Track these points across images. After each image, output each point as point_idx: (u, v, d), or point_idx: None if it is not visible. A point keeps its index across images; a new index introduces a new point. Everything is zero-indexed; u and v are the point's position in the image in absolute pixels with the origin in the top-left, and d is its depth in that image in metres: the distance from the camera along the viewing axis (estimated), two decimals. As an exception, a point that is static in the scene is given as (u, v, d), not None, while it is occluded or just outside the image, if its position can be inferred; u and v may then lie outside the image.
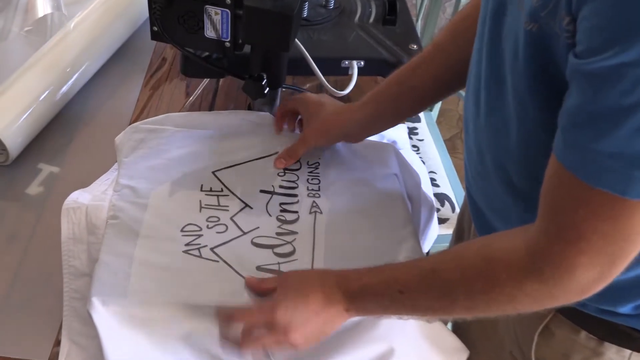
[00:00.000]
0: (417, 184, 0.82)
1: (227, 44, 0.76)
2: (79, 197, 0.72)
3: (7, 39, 0.97)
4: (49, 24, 0.98)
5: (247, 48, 0.78)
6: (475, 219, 0.72)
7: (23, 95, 0.84)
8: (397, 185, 0.79)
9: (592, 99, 0.44)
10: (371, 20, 0.92)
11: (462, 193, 1.32)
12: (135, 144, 0.78)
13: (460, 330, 0.79)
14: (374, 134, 0.81)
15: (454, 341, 0.69)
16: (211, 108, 0.95)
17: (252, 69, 0.78)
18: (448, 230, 1.12)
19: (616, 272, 0.51)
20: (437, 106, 1.52)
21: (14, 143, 0.81)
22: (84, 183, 0.80)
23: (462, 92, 0.88)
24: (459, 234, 0.88)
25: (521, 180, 0.60)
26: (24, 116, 0.83)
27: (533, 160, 0.56)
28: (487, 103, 0.61)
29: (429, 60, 0.75)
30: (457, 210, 1.24)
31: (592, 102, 0.44)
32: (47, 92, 0.86)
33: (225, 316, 0.61)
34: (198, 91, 0.97)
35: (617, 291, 0.60)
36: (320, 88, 0.90)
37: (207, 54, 0.80)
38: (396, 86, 0.77)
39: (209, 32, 0.75)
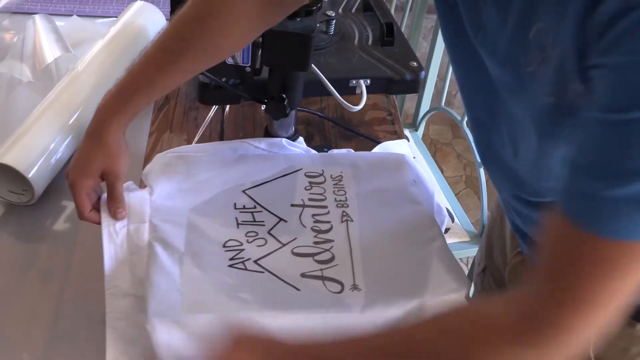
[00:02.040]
0: (431, 194, 0.88)
1: (247, 69, 0.82)
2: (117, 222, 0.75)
3: (18, 84, 0.99)
4: (54, 67, 1.01)
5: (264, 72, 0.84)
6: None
7: (41, 136, 0.86)
8: (418, 190, 0.85)
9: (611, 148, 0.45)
10: (370, 42, 1.00)
11: (458, 205, 1.40)
12: (164, 168, 0.81)
13: None
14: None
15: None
16: (221, 138, 0.99)
17: (271, 91, 0.84)
18: (450, 239, 1.18)
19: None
20: (422, 128, 1.61)
21: (38, 182, 0.83)
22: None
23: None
24: (488, 251, 0.94)
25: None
26: (45, 156, 0.85)
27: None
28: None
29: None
30: (457, 220, 1.30)
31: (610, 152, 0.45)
32: (63, 132, 0.88)
33: None
34: (206, 122, 1.02)
35: None
36: (326, 108, 0.96)
37: (224, 80, 0.85)
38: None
39: (230, 59, 0.81)
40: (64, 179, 0.87)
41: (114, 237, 0.74)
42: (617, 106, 0.44)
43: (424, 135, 2.16)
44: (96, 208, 0.75)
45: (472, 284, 1.01)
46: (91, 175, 0.73)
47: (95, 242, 0.79)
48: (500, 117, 0.64)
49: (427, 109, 1.57)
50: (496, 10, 0.56)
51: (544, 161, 0.59)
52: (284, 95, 0.82)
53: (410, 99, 1.86)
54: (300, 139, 0.93)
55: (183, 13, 0.71)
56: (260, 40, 0.79)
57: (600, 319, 0.49)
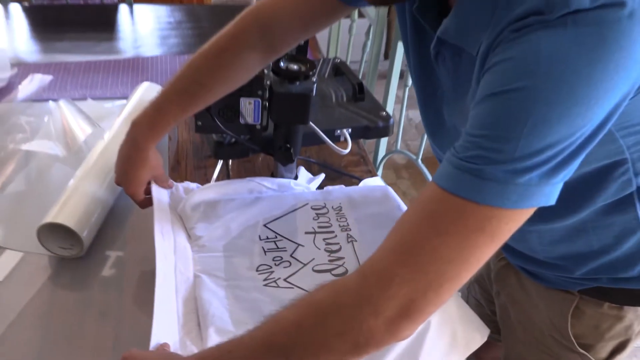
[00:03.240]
0: None
1: (257, 127, 0.88)
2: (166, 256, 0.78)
3: (54, 160, 1.00)
4: (84, 143, 1.03)
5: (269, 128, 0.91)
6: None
7: (85, 199, 0.87)
8: (401, 213, 0.91)
9: None
10: (345, 100, 1.08)
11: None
12: (199, 209, 0.85)
13: (501, 322, 0.86)
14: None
15: (477, 320, 0.75)
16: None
17: (277, 143, 0.90)
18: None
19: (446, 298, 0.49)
20: (380, 169, 1.70)
21: (87, 237, 0.84)
22: (149, 260, 0.83)
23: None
24: None
25: None
26: (89, 214, 0.86)
27: None
28: None
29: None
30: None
31: None
32: (100, 193, 0.90)
33: None
34: (214, 177, 1.06)
35: (619, 264, 0.67)
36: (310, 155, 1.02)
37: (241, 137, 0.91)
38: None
39: (242, 119, 0.87)
40: (104, 233, 0.91)
41: (164, 264, 0.77)
42: (492, 87, 0.45)
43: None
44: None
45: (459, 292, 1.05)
46: (143, 184, 0.84)
47: (140, 284, 0.82)
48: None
49: (384, 153, 1.67)
50: (445, 73, 0.60)
51: None
52: (289, 145, 0.89)
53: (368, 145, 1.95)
54: (302, 169, 0.99)
55: (201, 59, 0.79)
56: (267, 102, 0.86)
57: (441, 295, 0.47)
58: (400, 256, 0.48)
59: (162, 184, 0.88)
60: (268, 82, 0.84)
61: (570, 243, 0.68)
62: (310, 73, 0.83)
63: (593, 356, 0.76)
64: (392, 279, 0.47)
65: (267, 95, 0.84)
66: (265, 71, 0.84)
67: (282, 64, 0.84)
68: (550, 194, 0.47)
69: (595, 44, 0.41)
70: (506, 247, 0.78)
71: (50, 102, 1.14)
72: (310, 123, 0.92)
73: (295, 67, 0.85)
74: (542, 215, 0.51)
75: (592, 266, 0.69)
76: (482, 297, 0.94)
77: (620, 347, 0.75)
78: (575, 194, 0.58)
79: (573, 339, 0.75)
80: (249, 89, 0.83)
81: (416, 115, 2.78)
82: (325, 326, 0.49)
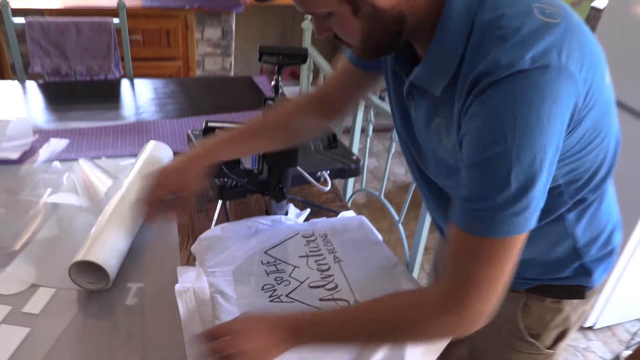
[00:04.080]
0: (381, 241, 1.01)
1: (255, 171, 0.93)
2: (184, 282, 0.81)
3: (78, 210, 1.02)
4: (104, 195, 1.06)
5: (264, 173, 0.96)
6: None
7: (109, 239, 0.89)
8: (376, 237, 0.97)
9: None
10: (321, 148, 1.15)
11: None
12: (207, 246, 0.89)
13: None
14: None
15: None
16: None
17: (271, 184, 0.95)
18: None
19: (499, 298, 0.58)
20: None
21: (112, 271, 0.86)
22: (166, 289, 0.86)
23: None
24: (436, 273, 1.02)
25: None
26: (113, 252, 0.88)
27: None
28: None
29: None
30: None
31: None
32: (122, 235, 0.92)
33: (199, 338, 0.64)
34: (215, 216, 1.09)
35: (554, 266, 0.73)
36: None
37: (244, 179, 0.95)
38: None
39: (242, 165, 0.92)
40: (126, 268, 0.91)
41: (184, 296, 0.80)
42: (473, 154, 0.55)
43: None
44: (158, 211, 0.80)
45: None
46: (165, 189, 0.80)
47: (160, 309, 0.84)
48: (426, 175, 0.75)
49: (351, 192, 1.74)
50: (414, 109, 0.69)
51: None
52: (281, 185, 0.94)
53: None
54: (291, 206, 1.04)
55: (270, 118, 0.86)
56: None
57: (491, 293, 0.57)
58: (463, 282, 0.58)
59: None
60: None
61: None
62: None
63: (541, 343, 0.80)
64: (463, 300, 0.58)
65: None
66: None
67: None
68: (536, 217, 0.57)
69: (536, 93, 0.51)
70: None
71: (77, 161, 1.16)
72: (297, 167, 0.97)
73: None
74: None
75: (534, 269, 0.74)
76: None
77: (561, 335, 0.80)
78: None
79: (523, 330, 0.79)
80: None
81: (371, 162, 2.88)
82: (416, 332, 0.62)
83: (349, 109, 0.90)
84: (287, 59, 1.03)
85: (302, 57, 1.05)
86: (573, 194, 0.65)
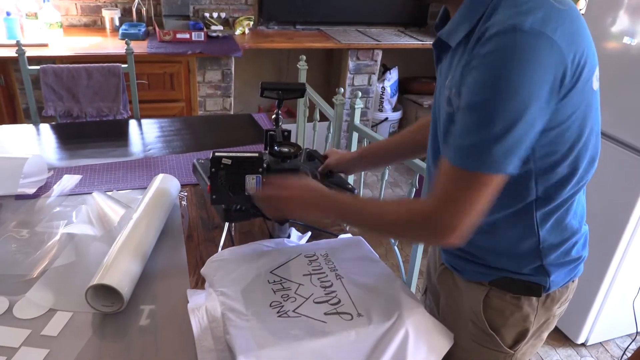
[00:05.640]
0: (378, 258, 1.03)
1: (260, 196, 0.96)
2: (195, 302, 0.82)
3: (92, 240, 1.04)
4: (118, 221, 1.08)
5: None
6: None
7: (122, 264, 0.91)
8: (374, 256, 1.00)
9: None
10: (318, 177, 1.18)
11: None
12: (216, 268, 0.90)
13: (442, 318, 0.91)
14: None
15: (443, 328, 0.83)
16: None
17: (274, 208, 0.98)
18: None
19: (473, 221, 0.67)
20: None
21: (126, 294, 0.87)
22: (176, 311, 0.88)
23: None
24: (428, 276, 1.03)
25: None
26: (127, 276, 0.89)
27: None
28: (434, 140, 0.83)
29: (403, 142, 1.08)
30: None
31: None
32: (135, 261, 0.94)
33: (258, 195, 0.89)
34: (222, 241, 1.11)
35: (518, 260, 0.77)
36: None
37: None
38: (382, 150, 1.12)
39: (247, 191, 0.95)
40: (138, 291, 0.93)
41: (196, 313, 0.81)
42: (469, 98, 0.63)
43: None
44: None
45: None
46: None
47: (171, 329, 0.85)
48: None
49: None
50: (440, 74, 0.77)
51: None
52: (284, 209, 0.97)
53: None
54: (293, 230, 1.06)
55: (398, 138, 1.08)
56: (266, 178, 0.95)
57: (465, 214, 0.66)
58: (444, 203, 0.67)
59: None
60: (266, 163, 0.93)
61: (486, 236, 0.78)
62: (298, 154, 0.94)
63: (501, 340, 0.82)
64: (442, 216, 0.67)
65: (265, 172, 0.93)
66: (264, 157, 0.94)
67: (276, 148, 0.95)
68: (516, 165, 0.65)
69: (526, 51, 0.58)
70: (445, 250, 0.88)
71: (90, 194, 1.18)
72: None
73: (286, 149, 0.95)
74: None
75: (501, 259, 0.79)
76: (434, 304, 1.00)
77: (521, 336, 0.82)
78: (497, 199, 0.72)
79: (485, 321, 0.81)
80: (252, 168, 0.92)
81: (366, 192, 2.92)
82: (405, 234, 0.76)
83: None
84: (287, 93, 1.08)
85: (301, 91, 1.10)
86: (541, 176, 0.71)
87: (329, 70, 3.34)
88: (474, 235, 0.77)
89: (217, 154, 0.93)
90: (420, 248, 1.45)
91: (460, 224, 0.67)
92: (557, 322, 0.89)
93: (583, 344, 1.94)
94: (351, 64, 2.94)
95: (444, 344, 0.81)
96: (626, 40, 1.63)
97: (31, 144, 1.54)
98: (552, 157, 0.69)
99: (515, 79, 0.59)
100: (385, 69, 3.24)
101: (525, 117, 0.61)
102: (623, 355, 1.89)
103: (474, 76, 0.62)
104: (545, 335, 0.86)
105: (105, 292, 0.88)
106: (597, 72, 0.69)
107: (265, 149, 1.09)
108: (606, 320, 1.87)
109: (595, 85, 0.69)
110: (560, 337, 1.96)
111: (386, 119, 3.28)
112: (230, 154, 0.93)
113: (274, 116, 1.12)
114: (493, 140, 0.62)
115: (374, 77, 3.04)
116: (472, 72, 0.63)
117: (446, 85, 0.72)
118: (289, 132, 1.03)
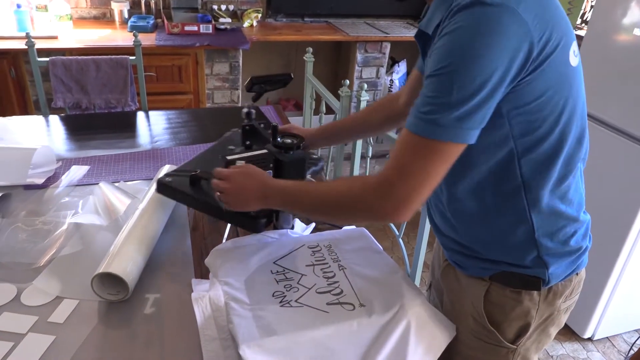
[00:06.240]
0: (381, 250, 1.03)
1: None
2: (199, 291, 0.83)
3: (98, 229, 1.06)
4: (123, 211, 1.09)
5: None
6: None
7: (128, 253, 0.92)
8: (377, 247, 1.00)
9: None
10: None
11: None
12: (221, 258, 0.91)
13: (446, 314, 0.89)
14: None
15: (445, 319, 0.83)
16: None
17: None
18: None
19: (425, 194, 0.66)
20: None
21: (131, 283, 0.88)
22: (181, 300, 0.88)
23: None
24: (432, 271, 1.03)
25: None
26: (133, 266, 0.90)
27: None
28: None
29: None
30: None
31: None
32: (141, 249, 0.95)
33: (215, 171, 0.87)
34: (226, 232, 1.12)
35: (514, 250, 0.76)
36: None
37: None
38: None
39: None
40: (143, 280, 0.93)
41: (200, 302, 0.82)
42: (432, 67, 0.63)
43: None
44: None
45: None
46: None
47: (176, 318, 0.86)
48: None
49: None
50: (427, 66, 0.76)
51: None
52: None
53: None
54: (297, 221, 1.07)
55: (354, 115, 1.14)
56: (273, 169, 0.95)
57: (418, 186, 0.65)
58: (399, 171, 0.66)
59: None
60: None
61: (479, 225, 0.77)
62: (301, 145, 0.94)
63: (501, 335, 0.81)
64: (395, 183, 0.66)
65: (271, 164, 0.93)
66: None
67: (279, 139, 0.95)
68: (473, 135, 0.65)
69: (488, 24, 0.60)
70: (443, 237, 0.87)
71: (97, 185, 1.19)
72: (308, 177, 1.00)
73: (289, 141, 0.95)
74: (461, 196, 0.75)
75: (497, 250, 0.78)
76: (437, 300, 0.99)
77: (523, 331, 0.80)
78: (484, 184, 0.74)
79: (485, 316, 0.81)
80: (262, 164, 0.92)
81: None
82: (356, 207, 0.71)
83: None
84: (271, 85, 1.08)
85: (284, 81, 1.10)
86: (524, 157, 0.70)
87: (337, 62, 3.32)
88: (468, 226, 0.77)
89: (228, 157, 0.93)
90: (425, 241, 1.44)
91: (414, 196, 0.65)
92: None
93: (589, 339, 1.92)
94: (359, 56, 2.92)
95: (446, 336, 0.80)
96: (637, 32, 1.60)
97: (41, 135, 1.56)
98: (532, 135, 0.68)
99: (477, 46, 0.60)
100: (393, 61, 3.22)
101: (485, 85, 0.61)
102: (630, 350, 1.87)
103: (439, 46, 0.63)
104: (553, 331, 0.84)
105: (111, 280, 0.89)
106: (574, 47, 0.68)
107: (243, 144, 1.12)
108: (613, 314, 1.86)
109: (574, 61, 0.68)
110: (567, 332, 1.94)
111: (394, 112, 3.26)
112: (243, 155, 0.92)
113: (244, 109, 1.12)
114: (451, 106, 0.62)
115: (382, 70, 3.02)
116: (438, 44, 0.64)
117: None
118: (263, 123, 1.06)
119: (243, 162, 0.90)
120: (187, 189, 0.99)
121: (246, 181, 0.84)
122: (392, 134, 1.54)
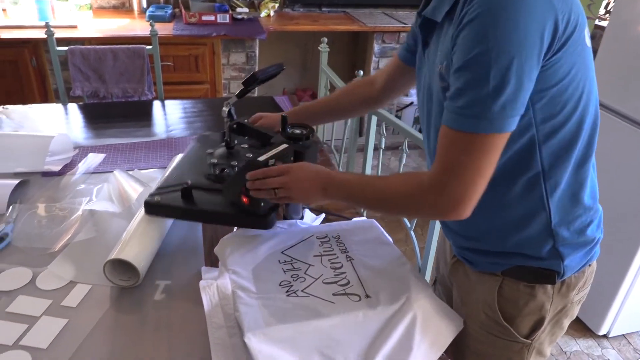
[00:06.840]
0: (391, 242, 1.02)
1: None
2: (207, 280, 0.84)
3: (111, 216, 1.07)
4: (135, 202, 1.10)
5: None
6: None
7: (139, 240, 0.93)
8: (386, 239, 0.99)
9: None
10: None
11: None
12: (229, 247, 0.91)
13: (455, 309, 0.89)
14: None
15: (452, 312, 0.82)
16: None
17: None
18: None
19: (481, 188, 0.64)
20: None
21: (142, 270, 0.90)
22: (190, 287, 0.89)
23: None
24: (437, 266, 1.04)
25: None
26: (144, 252, 0.92)
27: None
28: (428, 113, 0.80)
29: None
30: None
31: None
32: (152, 237, 0.95)
33: (251, 174, 0.84)
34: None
35: (530, 241, 0.74)
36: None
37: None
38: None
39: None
40: (154, 267, 0.95)
41: (207, 290, 0.82)
42: (461, 58, 0.61)
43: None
44: None
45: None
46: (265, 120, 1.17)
47: (185, 305, 0.87)
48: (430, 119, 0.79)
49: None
50: (427, 59, 0.75)
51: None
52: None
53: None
54: (307, 211, 1.07)
55: (328, 97, 1.11)
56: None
57: (470, 181, 0.64)
58: (450, 170, 0.65)
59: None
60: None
61: (494, 217, 0.76)
62: (310, 135, 0.93)
63: (515, 330, 0.80)
64: (448, 183, 0.65)
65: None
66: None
67: (289, 130, 0.94)
68: (514, 122, 0.63)
69: (515, 4, 0.57)
70: (452, 233, 0.86)
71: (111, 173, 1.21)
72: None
73: (298, 131, 0.95)
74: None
75: (512, 239, 0.76)
76: (444, 295, 0.99)
77: (537, 325, 0.79)
78: (503, 174, 0.71)
79: (498, 312, 0.80)
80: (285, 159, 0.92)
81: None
82: (416, 207, 0.72)
83: (389, 97, 1.02)
84: (266, 78, 1.06)
85: (276, 72, 1.07)
86: (544, 143, 0.69)
87: (355, 53, 3.29)
88: (483, 218, 0.75)
89: (258, 159, 0.91)
90: (436, 233, 1.43)
91: (470, 191, 0.64)
92: (578, 312, 0.86)
93: (605, 336, 1.89)
94: (376, 47, 2.90)
95: (453, 329, 0.80)
96: (663, 22, 1.54)
97: (59, 123, 1.58)
98: (554, 119, 0.67)
99: (505, 29, 0.58)
100: (410, 52, 3.17)
101: (519, 68, 0.59)
102: (646, 348, 1.84)
103: (464, 36, 0.61)
104: (566, 323, 0.83)
105: (123, 266, 0.90)
106: (587, 30, 0.67)
107: (223, 141, 1.11)
108: (630, 312, 1.82)
109: (588, 41, 0.67)
110: (581, 328, 1.91)
111: (411, 103, 3.23)
112: (272, 153, 0.91)
113: (225, 108, 1.09)
114: (489, 96, 0.60)
115: (399, 61, 2.98)
116: (462, 34, 0.62)
117: (436, 62, 0.70)
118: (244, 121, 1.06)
119: (273, 160, 0.88)
120: (180, 203, 0.95)
121: (306, 174, 0.82)
122: (405, 124, 1.52)
